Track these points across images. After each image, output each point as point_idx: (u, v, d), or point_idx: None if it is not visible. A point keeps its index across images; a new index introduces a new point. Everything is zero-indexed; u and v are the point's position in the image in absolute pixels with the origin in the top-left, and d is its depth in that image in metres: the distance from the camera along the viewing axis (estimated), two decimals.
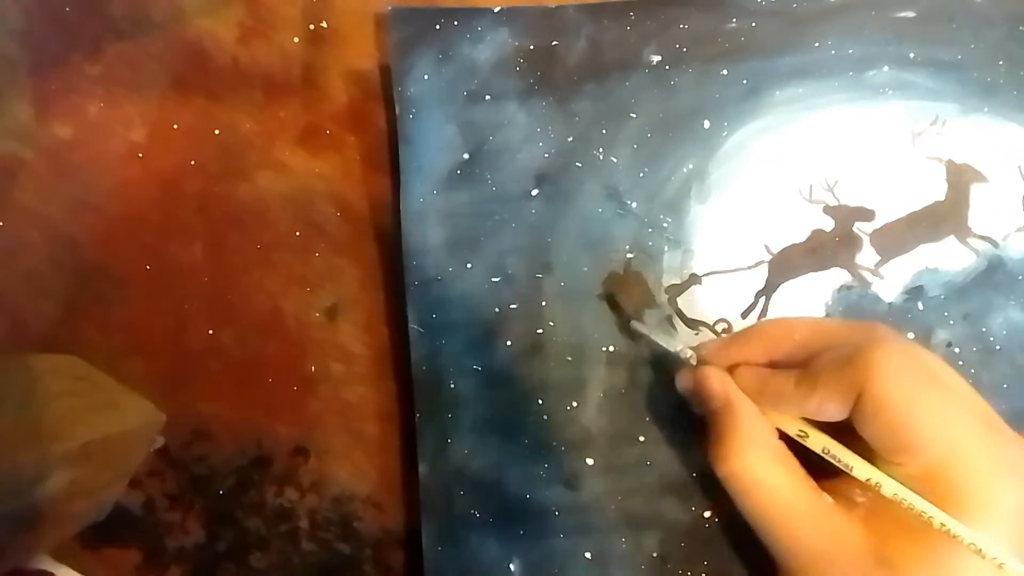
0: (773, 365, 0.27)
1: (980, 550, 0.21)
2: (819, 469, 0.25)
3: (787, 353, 0.27)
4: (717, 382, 0.27)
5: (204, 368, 0.35)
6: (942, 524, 0.21)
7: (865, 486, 0.24)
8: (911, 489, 0.22)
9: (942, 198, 0.35)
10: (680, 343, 0.30)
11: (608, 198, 0.34)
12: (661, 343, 0.31)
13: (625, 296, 0.34)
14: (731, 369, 0.28)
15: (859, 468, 0.24)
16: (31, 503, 0.28)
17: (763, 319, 0.28)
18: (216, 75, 0.36)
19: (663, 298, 0.34)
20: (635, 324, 0.31)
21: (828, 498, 0.24)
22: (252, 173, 0.36)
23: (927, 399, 0.22)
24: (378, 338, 0.35)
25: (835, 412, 0.24)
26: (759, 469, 0.25)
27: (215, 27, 0.37)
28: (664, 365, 0.33)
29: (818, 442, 0.25)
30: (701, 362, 0.29)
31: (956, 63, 0.35)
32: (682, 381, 0.30)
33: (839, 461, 0.24)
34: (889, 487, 0.23)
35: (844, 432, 0.25)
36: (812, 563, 0.24)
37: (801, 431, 0.26)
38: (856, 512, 0.24)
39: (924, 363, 0.23)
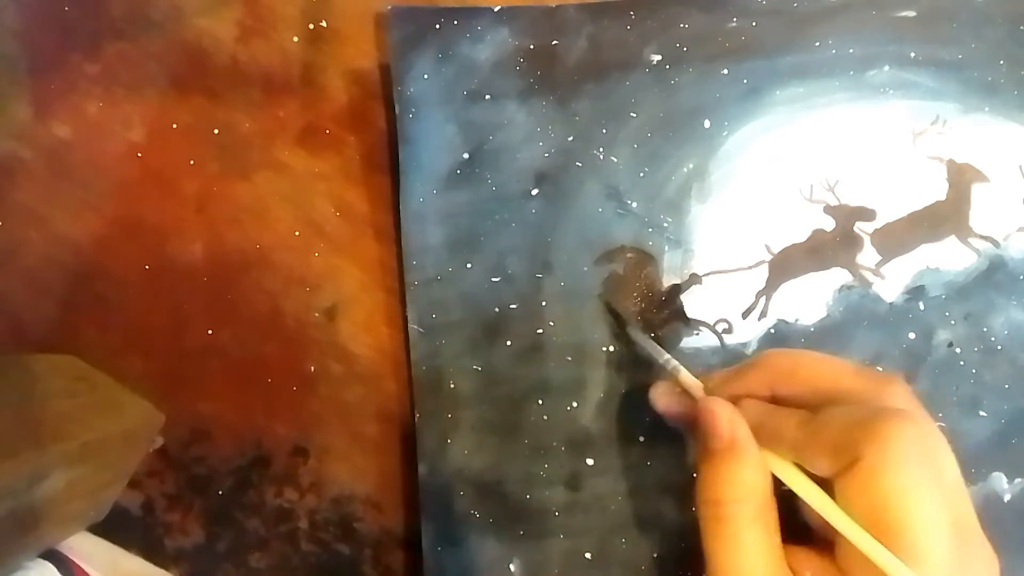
0: (775, 400, 0.26)
1: None
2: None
3: (792, 389, 0.26)
4: (727, 421, 0.25)
5: (203, 368, 0.35)
6: None
7: (820, 565, 0.24)
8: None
9: (943, 198, 0.34)
10: (668, 355, 0.30)
11: (608, 198, 0.34)
12: (652, 353, 0.30)
13: (624, 296, 0.34)
14: (733, 401, 0.27)
15: (852, 533, 0.23)
16: (30, 503, 0.28)
17: (769, 350, 0.27)
18: (215, 74, 0.36)
19: (662, 296, 0.34)
20: (631, 329, 0.31)
21: (790, 574, 0.24)
22: (251, 173, 0.36)
23: (922, 494, 0.22)
24: (378, 338, 0.35)
25: (826, 468, 0.23)
26: (742, 522, 0.24)
27: (214, 26, 0.36)
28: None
29: (812, 496, 0.24)
30: (708, 392, 0.28)
31: (957, 62, 0.35)
32: (658, 392, 0.29)
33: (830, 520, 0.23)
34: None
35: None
36: None
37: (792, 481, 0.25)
38: None
39: (929, 449, 0.22)
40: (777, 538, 0.24)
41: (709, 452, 0.25)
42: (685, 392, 0.29)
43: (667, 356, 0.29)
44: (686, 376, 0.28)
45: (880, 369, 0.33)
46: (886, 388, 0.24)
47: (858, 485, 0.22)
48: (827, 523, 0.23)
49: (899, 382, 0.24)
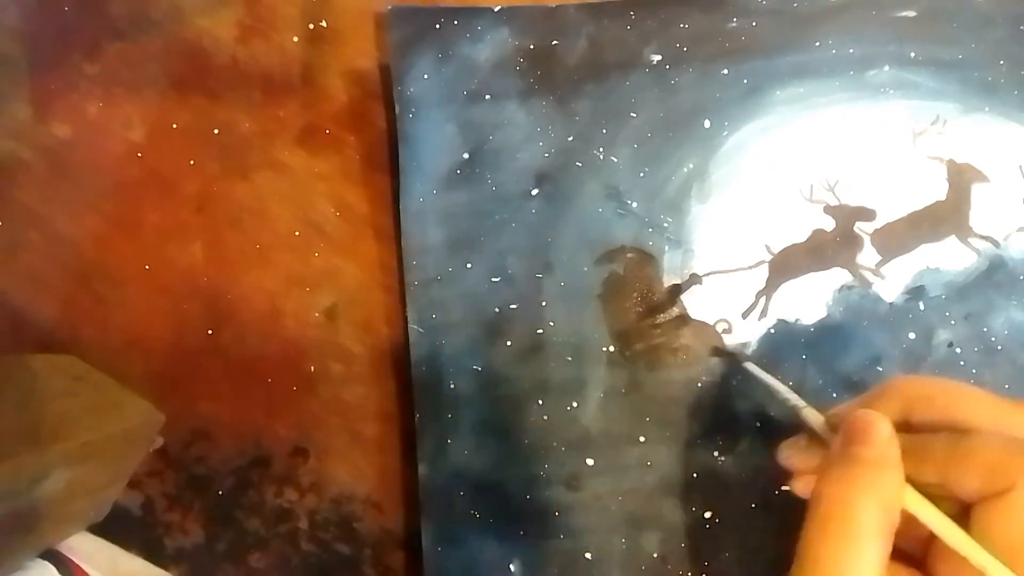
0: (905, 429, 0.25)
1: None
2: None
3: (927, 416, 0.25)
4: (885, 432, 0.24)
5: (203, 368, 0.35)
6: None
7: None
8: None
9: (943, 198, 0.34)
10: (789, 391, 0.27)
11: (608, 198, 0.34)
12: (774, 389, 0.28)
13: (624, 296, 0.34)
14: None
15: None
16: (30, 503, 0.28)
17: (895, 378, 0.26)
18: (215, 75, 0.36)
19: (664, 295, 0.34)
20: (748, 365, 0.29)
21: None
22: (251, 173, 0.36)
23: None
24: (378, 338, 0.35)
25: (973, 490, 0.22)
26: (870, 533, 0.22)
27: (214, 26, 0.36)
28: (665, 366, 0.33)
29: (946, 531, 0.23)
30: (832, 427, 0.26)
31: (957, 62, 0.35)
32: (787, 453, 0.27)
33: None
34: None
35: None
36: None
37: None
38: None
39: None
40: (887, 560, 0.23)
41: (854, 457, 0.24)
42: (812, 443, 0.27)
43: (789, 393, 0.27)
44: (810, 413, 0.26)
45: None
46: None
47: (1008, 513, 0.22)
48: (920, 544, 0.23)
49: None
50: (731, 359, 0.32)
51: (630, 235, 0.34)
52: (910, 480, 0.23)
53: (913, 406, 0.25)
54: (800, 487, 0.27)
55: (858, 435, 0.24)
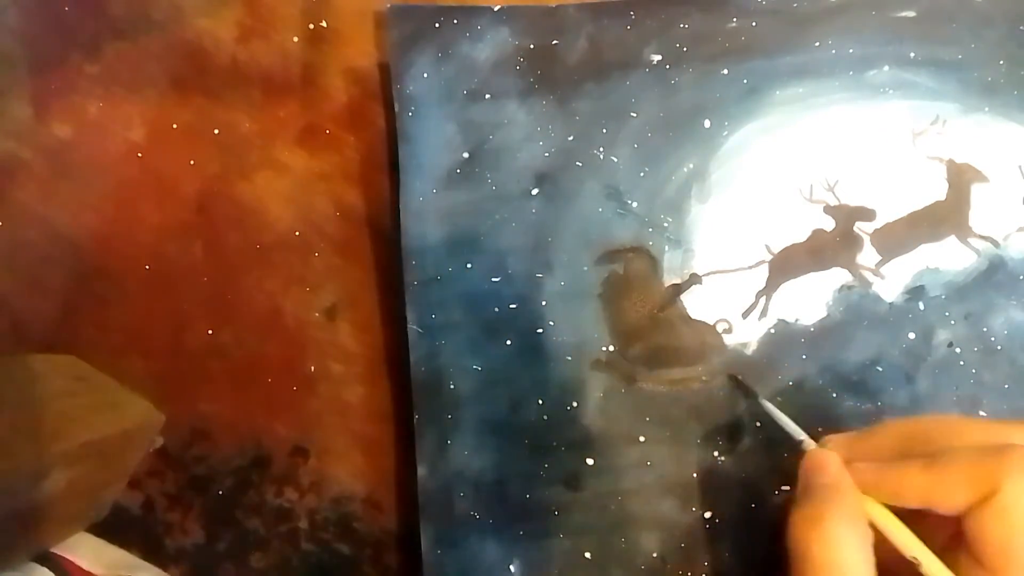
0: None
1: None
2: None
3: (916, 454, 0.25)
4: (834, 464, 0.25)
5: (203, 368, 0.35)
6: None
7: None
8: None
9: (943, 198, 0.34)
10: (803, 433, 0.28)
11: (608, 198, 0.34)
12: (786, 428, 0.28)
13: (624, 296, 0.34)
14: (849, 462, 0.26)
15: None
16: (30, 503, 0.28)
17: (894, 419, 0.27)
18: (215, 75, 0.36)
19: (666, 296, 0.34)
20: (763, 402, 0.30)
21: None
22: (251, 173, 0.36)
23: None
24: (378, 338, 0.35)
25: (960, 501, 0.23)
26: (844, 548, 0.23)
27: (214, 26, 0.36)
28: (665, 366, 0.33)
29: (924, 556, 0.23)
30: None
31: (957, 63, 0.35)
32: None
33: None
34: None
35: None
36: None
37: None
38: None
39: None
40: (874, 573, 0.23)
41: (811, 488, 0.25)
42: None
43: (803, 436, 0.28)
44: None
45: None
46: (1013, 431, 0.24)
47: (997, 515, 0.22)
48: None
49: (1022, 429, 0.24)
50: (746, 391, 0.32)
51: (630, 235, 0.34)
52: (894, 510, 0.24)
53: (906, 445, 0.25)
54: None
55: (810, 473, 0.26)
